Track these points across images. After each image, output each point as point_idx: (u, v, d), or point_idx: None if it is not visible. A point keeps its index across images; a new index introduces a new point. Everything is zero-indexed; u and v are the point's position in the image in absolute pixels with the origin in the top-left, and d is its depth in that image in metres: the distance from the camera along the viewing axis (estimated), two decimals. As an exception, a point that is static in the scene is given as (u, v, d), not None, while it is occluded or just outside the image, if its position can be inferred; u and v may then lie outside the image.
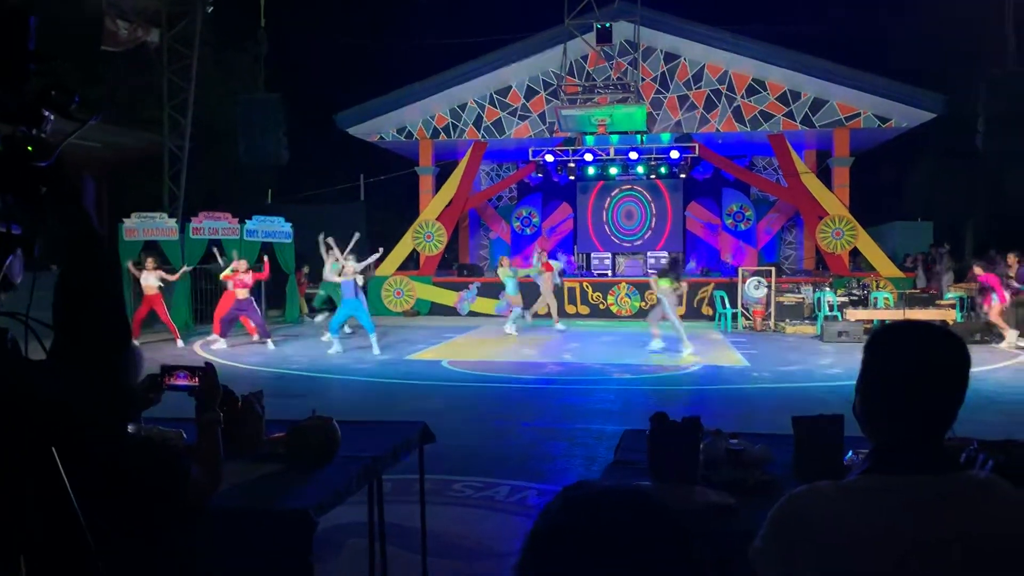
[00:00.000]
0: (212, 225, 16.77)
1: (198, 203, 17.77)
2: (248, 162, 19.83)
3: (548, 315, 15.94)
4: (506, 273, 15.16)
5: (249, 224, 17.27)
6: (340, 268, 13.16)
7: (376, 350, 12.64)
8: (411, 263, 20.77)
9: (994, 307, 13.49)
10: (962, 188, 20.18)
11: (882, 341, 1.59)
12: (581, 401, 8.86)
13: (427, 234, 20.07)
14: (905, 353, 1.54)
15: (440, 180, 20.94)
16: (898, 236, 21.44)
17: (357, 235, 14.07)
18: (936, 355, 1.52)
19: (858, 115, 18.61)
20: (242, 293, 13.63)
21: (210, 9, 15.13)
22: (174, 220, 16.54)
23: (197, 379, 2.52)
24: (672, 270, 13.55)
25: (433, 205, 20.31)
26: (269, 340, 13.74)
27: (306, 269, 18.99)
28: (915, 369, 1.51)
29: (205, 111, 19.66)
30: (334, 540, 4.21)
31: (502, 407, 8.58)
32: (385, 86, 20.23)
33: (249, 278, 13.87)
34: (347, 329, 14.46)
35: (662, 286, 12.90)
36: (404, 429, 3.81)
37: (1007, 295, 13.40)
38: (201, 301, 17.33)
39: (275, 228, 17.89)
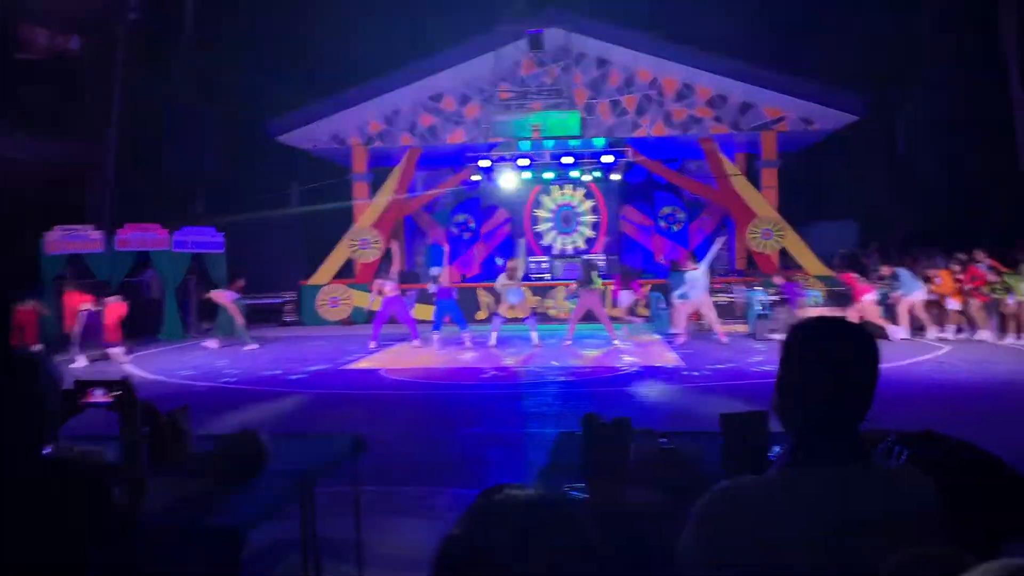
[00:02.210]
0: (140, 237, 16.34)
1: (125, 215, 17.26)
2: (177, 172, 19.37)
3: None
4: (506, 284, 14.30)
5: (178, 235, 16.87)
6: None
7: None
8: (347, 271, 20.56)
9: (864, 304, 13.94)
10: (885, 188, 20.85)
11: (795, 338, 1.63)
12: (520, 405, 8.88)
13: (363, 241, 19.88)
14: (816, 348, 1.58)
15: (375, 187, 20.77)
16: (825, 235, 22.05)
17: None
18: (846, 350, 1.56)
19: (784, 118, 19.10)
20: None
21: (133, 16, 14.72)
22: (99, 232, 16.06)
23: (114, 395, 2.45)
24: (585, 273, 14.06)
25: (368, 212, 20.14)
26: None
27: (241, 282, 18.56)
28: (826, 364, 1.55)
29: (131, 120, 19.12)
30: (268, 556, 4.12)
31: (441, 414, 8.54)
32: (318, 93, 19.98)
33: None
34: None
35: (589, 288, 13.73)
36: (336, 440, 3.75)
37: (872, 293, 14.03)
38: (130, 315, 16.80)
39: (206, 239, 17.51)
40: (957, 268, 14.37)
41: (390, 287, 14.22)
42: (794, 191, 20.52)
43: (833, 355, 1.56)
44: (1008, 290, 13.86)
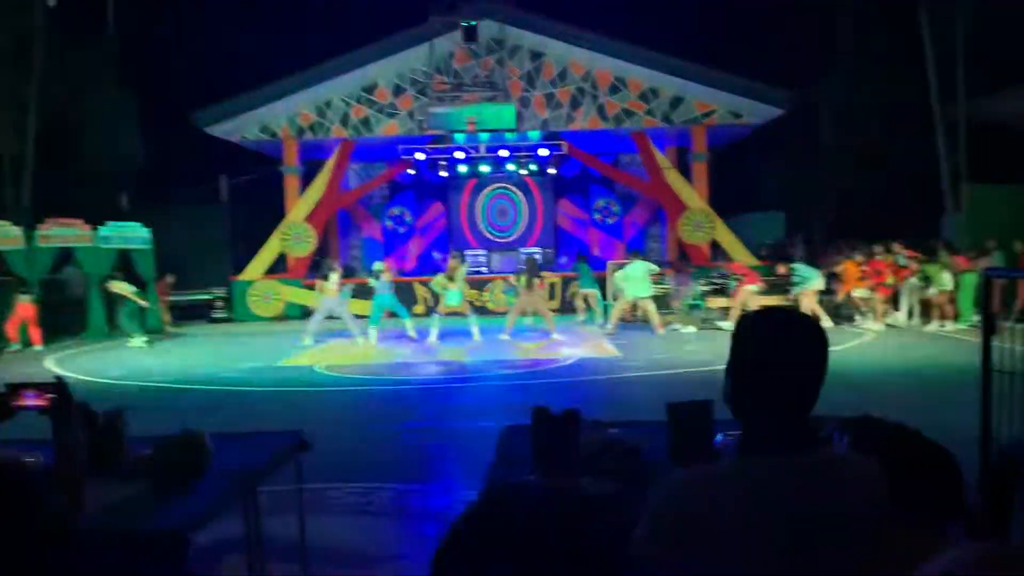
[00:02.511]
0: (62, 233, 15.75)
1: (46, 209, 16.60)
2: (101, 165, 18.72)
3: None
4: (445, 285, 14.07)
5: (103, 230, 16.32)
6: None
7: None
8: (279, 266, 20.23)
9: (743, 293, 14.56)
10: (810, 181, 21.47)
11: (745, 328, 1.66)
12: (459, 400, 8.88)
13: (295, 236, 19.56)
14: (766, 338, 1.61)
15: (307, 180, 20.44)
16: (754, 227, 22.60)
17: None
18: (795, 338, 1.59)
19: (714, 112, 19.49)
20: None
21: (52, 3, 14.12)
22: (19, 228, 15.42)
23: (48, 397, 2.37)
24: (530, 271, 14.28)
25: (300, 206, 19.81)
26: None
27: (171, 279, 18.08)
28: (776, 352, 1.58)
29: (51, 111, 18.37)
30: (211, 557, 4.03)
31: (380, 410, 8.48)
32: (248, 84, 19.53)
33: None
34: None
35: (522, 283, 14.11)
36: (278, 438, 3.69)
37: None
38: (52, 313, 16.22)
39: (132, 234, 16.99)
40: (861, 259, 14.88)
41: (333, 283, 14.01)
42: (724, 184, 20.98)
43: (781, 344, 1.59)
44: (928, 279, 14.45)
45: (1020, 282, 11.70)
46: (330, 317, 14.28)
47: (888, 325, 14.47)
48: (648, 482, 1.85)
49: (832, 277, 15.29)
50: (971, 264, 14.08)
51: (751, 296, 14.42)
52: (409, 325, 14.02)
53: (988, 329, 3.57)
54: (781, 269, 15.31)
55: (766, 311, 1.70)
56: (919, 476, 1.95)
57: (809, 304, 14.27)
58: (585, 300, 16.78)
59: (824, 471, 1.52)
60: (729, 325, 14.35)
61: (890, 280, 14.52)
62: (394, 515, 5.08)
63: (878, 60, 19.37)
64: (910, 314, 14.68)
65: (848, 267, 14.96)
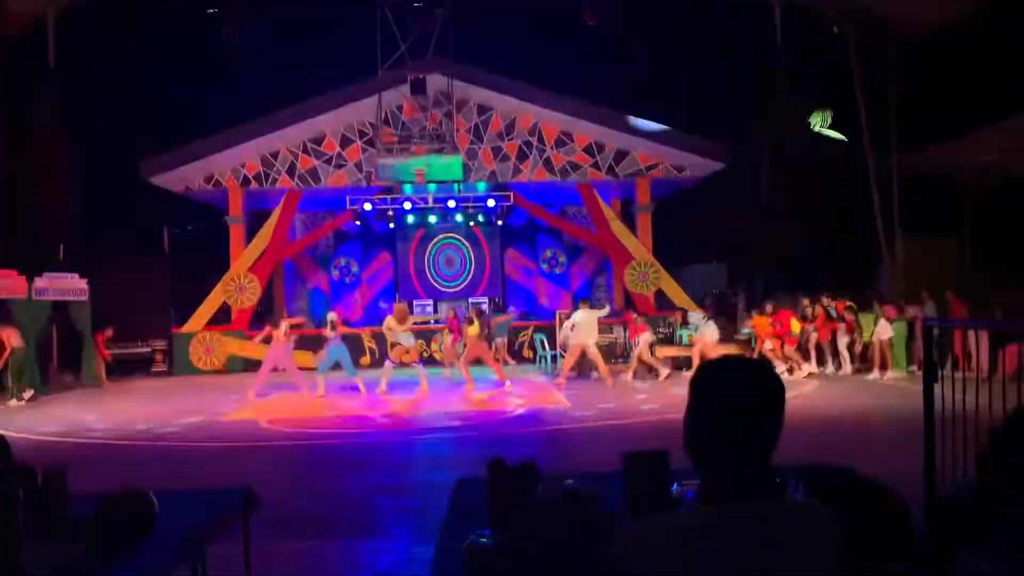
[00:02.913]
0: (-6, 284, 15.24)
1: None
2: (37, 215, 18.24)
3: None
4: (395, 328, 13.92)
5: (39, 282, 15.85)
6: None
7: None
8: (222, 318, 19.86)
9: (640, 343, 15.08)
10: (751, 232, 22.03)
11: (704, 378, 1.68)
12: (410, 452, 8.76)
13: (239, 287, 19.27)
14: (725, 387, 1.63)
15: (252, 231, 20.22)
16: (698, 277, 23.05)
17: None
18: (753, 386, 1.62)
19: (657, 165, 19.95)
20: None
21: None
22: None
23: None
24: (479, 317, 14.50)
25: (245, 256, 19.56)
26: None
27: (110, 331, 17.54)
28: (735, 401, 1.60)
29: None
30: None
31: (329, 465, 8.31)
32: (193, 133, 19.35)
33: None
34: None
35: (471, 333, 14.09)
36: (226, 496, 3.61)
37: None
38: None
39: (69, 285, 16.53)
40: (769, 312, 15.34)
41: (283, 331, 13.76)
42: (668, 234, 21.39)
43: (739, 393, 1.61)
44: (859, 330, 14.89)
45: (955, 331, 12.12)
46: (274, 369, 14.01)
47: (810, 374, 14.81)
48: (606, 533, 1.86)
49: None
50: (898, 314, 14.55)
51: (645, 347, 14.93)
52: (359, 380, 13.82)
53: (930, 377, 3.69)
54: (675, 316, 15.85)
55: (723, 361, 1.72)
56: (872, 520, 2.00)
57: (696, 352, 14.58)
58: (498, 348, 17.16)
59: (784, 518, 1.55)
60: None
61: (795, 331, 14.90)
62: (344, 573, 4.96)
63: (812, 114, 20.17)
64: (835, 364, 15.05)
65: (758, 321, 15.41)
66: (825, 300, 15.39)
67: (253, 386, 13.67)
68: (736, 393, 1.60)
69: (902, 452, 4.65)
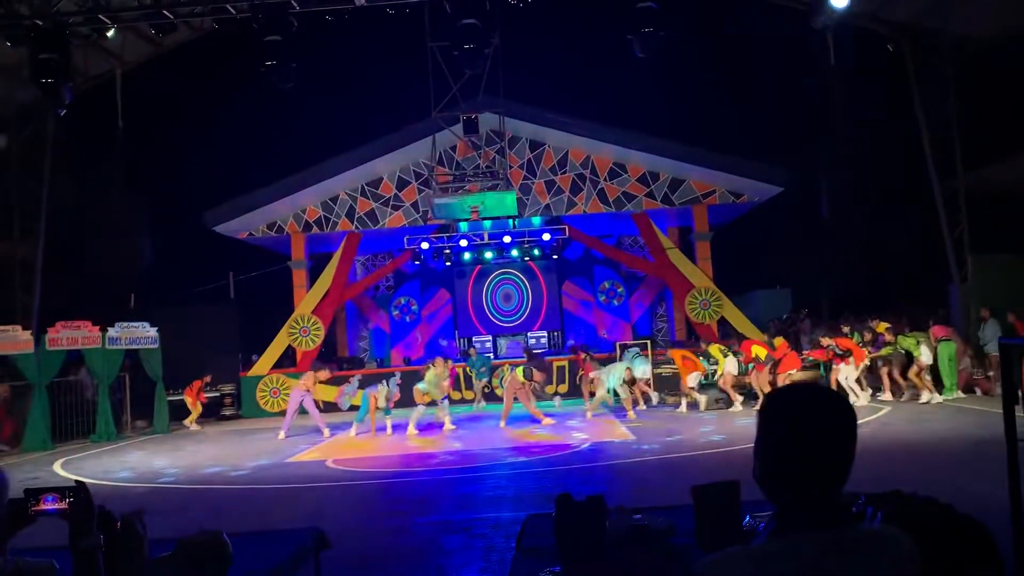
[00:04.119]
0: (71, 335, 15.83)
1: (54, 312, 16.73)
2: (108, 267, 18.96)
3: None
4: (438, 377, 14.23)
5: (111, 331, 16.40)
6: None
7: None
8: (287, 360, 20.22)
9: (842, 370, 14.23)
10: (814, 255, 21.63)
11: (774, 407, 1.66)
12: (474, 490, 8.74)
13: (303, 329, 19.64)
14: (796, 416, 1.61)
15: (314, 274, 20.66)
16: (760, 303, 22.65)
17: None
18: (824, 415, 1.59)
19: (713, 192, 19.80)
20: None
21: (63, 112, 14.59)
22: (28, 332, 15.52)
23: (68, 501, 2.35)
24: (529, 363, 14.95)
25: (308, 299, 19.96)
26: None
27: (208, 378, 17.93)
28: (807, 430, 1.58)
29: (60, 215, 18.73)
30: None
31: (394, 504, 8.34)
32: (254, 182, 19.96)
33: None
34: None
35: (518, 375, 14.37)
36: (298, 536, 3.65)
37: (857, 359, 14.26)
38: (62, 415, 16.18)
39: (139, 334, 17.07)
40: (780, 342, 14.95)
41: (313, 379, 14.30)
42: (729, 261, 21.14)
43: (810, 422, 1.59)
44: (903, 351, 14.25)
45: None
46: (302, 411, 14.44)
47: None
48: (679, 568, 1.83)
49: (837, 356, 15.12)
50: (948, 334, 14.07)
51: (596, 381, 14.78)
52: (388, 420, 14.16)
53: (1010, 399, 3.55)
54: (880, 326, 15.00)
55: (793, 388, 1.70)
56: (955, 550, 1.93)
57: (729, 382, 14.37)
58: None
59: (861, 547, 1.51)
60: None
61: (761, 356, 14.37)
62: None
63: (874, 135, 19.78)
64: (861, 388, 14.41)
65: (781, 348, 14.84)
66: (873, 323, 14.83)
67: (283, 428, 14.41)
68: (806, 421, 1.58)
69: (987, 478, 4.47)
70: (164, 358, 17.37)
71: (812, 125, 21.24)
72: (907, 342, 14.14)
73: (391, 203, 20.02)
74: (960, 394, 14.04)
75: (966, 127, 16.52)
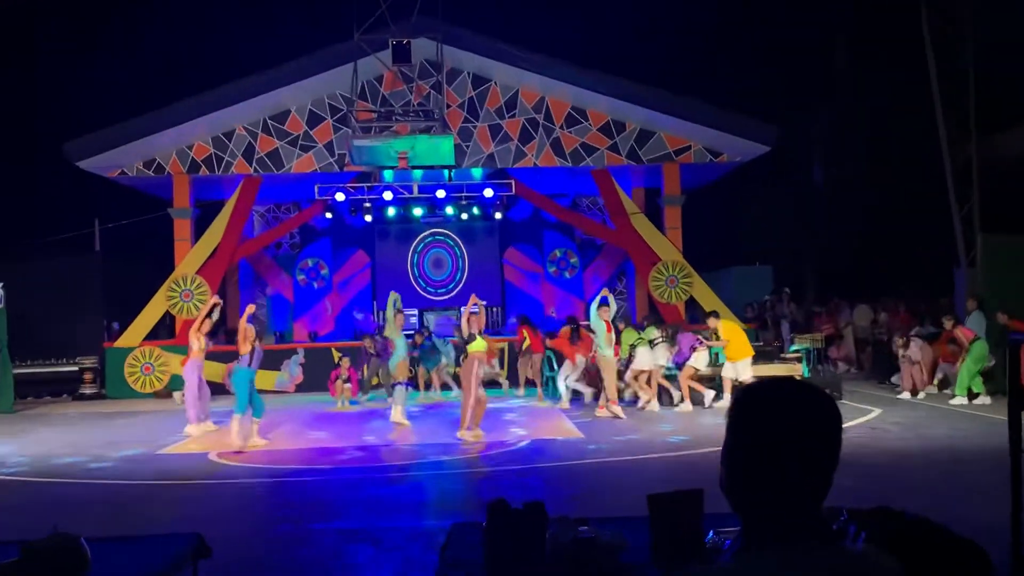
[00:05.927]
0: None
1: None
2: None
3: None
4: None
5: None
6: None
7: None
8: (163, 330, 19.88)
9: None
10: (801, 228, 22.09)
11: (745, 404, 1.68)
12: (388, 492, 8.77)
13: (185, 292, 19.31)
14: (771, 416, 1.63)
15: (201, 225, 20.29)
16: (736, 283, 23.05)
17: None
18: (804, 416, 1.62)
19: (688, 148, 19.99)
20: None
21: None
22: None
23: None
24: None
25: (192, 256, 19.61)
26: None
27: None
28: (783, 433, 1.60)
29: None
30: None
31: (291, 508, 8.32)
32: (128, 109, 19.43)
33: None
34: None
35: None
36: (172, 542, 3.63)
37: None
38: None
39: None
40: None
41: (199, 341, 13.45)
42: (702, 231, 21.41)
43: (788, 422, 1.61)
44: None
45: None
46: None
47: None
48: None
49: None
50: (975, 334, 14.59)
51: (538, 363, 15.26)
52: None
53: (1016, 405, 3.67)
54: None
55: (767, 384, 1.72)
56: (940, 572, 2.01)
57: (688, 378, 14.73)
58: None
59: (839, 571, 1.56)
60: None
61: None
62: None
63: (878, 91, 20.20)
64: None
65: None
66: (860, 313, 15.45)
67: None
68: (779, 424, 1.61)
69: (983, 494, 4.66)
70: (9, 320, 16.93)
71: (809, 77, 21.58)
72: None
73: (300, 143, 19.72)
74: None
75: (983, 89, 16.99)
